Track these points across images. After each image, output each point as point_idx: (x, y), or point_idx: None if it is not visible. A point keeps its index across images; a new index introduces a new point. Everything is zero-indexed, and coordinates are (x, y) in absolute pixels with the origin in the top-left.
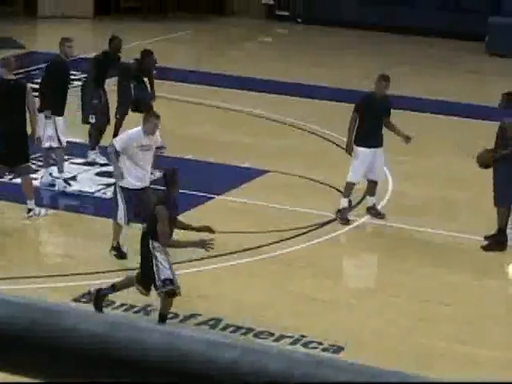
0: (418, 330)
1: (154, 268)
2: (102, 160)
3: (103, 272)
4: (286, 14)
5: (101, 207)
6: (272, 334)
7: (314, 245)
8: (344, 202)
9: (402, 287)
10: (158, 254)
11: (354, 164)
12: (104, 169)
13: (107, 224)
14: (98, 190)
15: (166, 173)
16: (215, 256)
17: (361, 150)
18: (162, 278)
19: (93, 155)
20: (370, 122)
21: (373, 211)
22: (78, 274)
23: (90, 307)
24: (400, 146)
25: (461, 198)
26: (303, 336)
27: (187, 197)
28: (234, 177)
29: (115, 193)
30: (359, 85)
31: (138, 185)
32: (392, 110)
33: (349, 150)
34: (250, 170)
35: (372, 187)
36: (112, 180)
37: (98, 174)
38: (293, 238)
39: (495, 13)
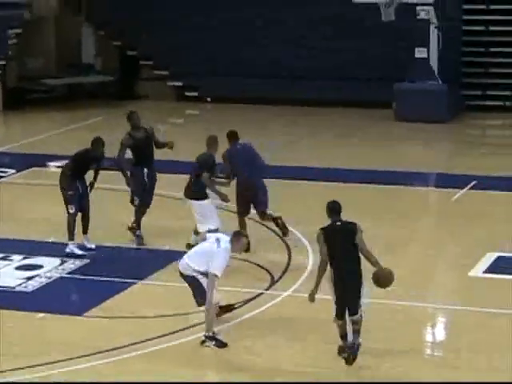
0: None
1: None
2: (80, 252)
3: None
4: (195, 94)
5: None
6: None
7: (239, 323)
8: None
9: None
10: None
11: None
12: (25, 262)
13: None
14: (19, 285)
15: None
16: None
17: None
18: None
19: (71, 246)
20: None
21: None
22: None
23: None
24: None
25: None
26: None
27: (109, 284)
28: (155, 260)
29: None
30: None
31: None
32: (299, 182)
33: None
34: (168, 252)
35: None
36: (33, 272)
37: (18, 268)
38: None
39: (400, 79)
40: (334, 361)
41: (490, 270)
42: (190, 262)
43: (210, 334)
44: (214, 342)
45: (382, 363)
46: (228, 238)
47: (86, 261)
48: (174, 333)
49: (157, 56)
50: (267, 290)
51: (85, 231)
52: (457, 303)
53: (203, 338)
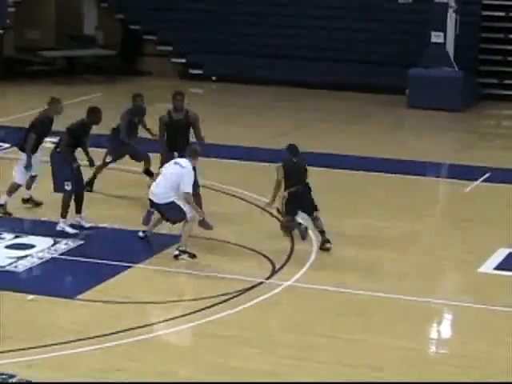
0: None
1: None
2: (72, 230)
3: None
4: (200, 72)
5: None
6: None
7: (238, 312)
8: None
9: (330, 352)
10: None
11: None
12: (17, 241)
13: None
14: (10, 264)
15: None
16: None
17: None
18: None
19: (62, 224)
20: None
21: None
22: None
23: None
24: (324, 206)
25: (385, 258)
26: None
27: (103, 266)
28: (151, 244)
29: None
30: (275, 143)
31: None
32: (312, 168)
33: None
34: (165, 236)
35: None
36: (24, 252)
37: (8, 247)
38: (213, 306)
39: (415, 65)
40: (334, 353)
41: (500, 266)
42: (164, 189)
43: (184, 248)
44: (187, 255)
45: (392, 360)
46: (184, 159)
47: (80, 242)
48: (168, 320)
49: (160, 31)
50: (268, 279)
51: (79, 210)
52: (465, 300)
53: (177, 253)
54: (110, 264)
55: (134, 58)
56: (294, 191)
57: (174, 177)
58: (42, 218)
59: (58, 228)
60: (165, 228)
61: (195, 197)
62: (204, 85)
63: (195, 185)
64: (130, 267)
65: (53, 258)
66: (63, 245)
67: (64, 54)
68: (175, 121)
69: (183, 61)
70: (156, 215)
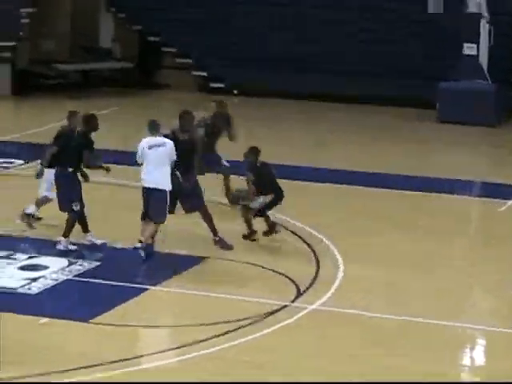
0: None
1: None
2: (74, 247)
3: None
4: (221, 86)
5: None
6: None
7: (262, 336)
8: None
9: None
10: None
11: None
12: (30, 261)
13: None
14: (23, 286)
15: None
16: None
17: None
18: None
19: (65, 243)
20: None
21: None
22: None
23: None
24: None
25: (413, 280)
26: None
27: (119, 288)
28: (169, 265)
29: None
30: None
31: None
32: (338, 186)
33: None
34: (186, 257)
35: None
36: (38, 273)
37: (21, 268)
38: (237, 329)
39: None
40: (361, 378)
41: None
42: (160, 171)
43: (150, 242)
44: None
45: None
46: (153, 136)
47: (95, 263)
48: (189, 345)
49: (180, 43)
50: (293, 302)
51: (87, 229)
52: (496, 324)
53: (141, 245)
54: (126, 286)
55: (152, 71)
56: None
57: (164, 158)
58: (56, 238)
59: (62, 248)
60: (184, 248)
61: (203, 213)
62: (225, 99)
63: (201, 201)
64: (147, 289)
65: (67, 280)
66: (78, 266)
67: (79, 67)
68: (181, 141)
69: (204, 74)
70: (145, 223)
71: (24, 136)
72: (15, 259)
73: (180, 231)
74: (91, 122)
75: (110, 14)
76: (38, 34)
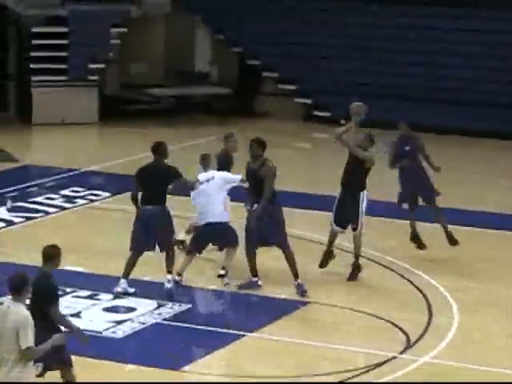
0: None
1: None
2: (132, 289)
3: None
4: (327, 115)
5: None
6: None
7: None
8: None
9: None
10: None
11: None
12: (116, 302)
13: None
14: (107, 329)
15: None
16: None
17: None
18: None
19: (124, 285)
20: None
21: None
22: None
23: None
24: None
25: None
26: None
27: (212, 334)
28: (268, 310)
29: None
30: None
31: None
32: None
33: None
34: (283, 300)
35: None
36: (124, 316)
37: (106, 310)
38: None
39: None
40: None
41: None
42: (221, 203)
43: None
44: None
45: None
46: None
47: (187, 306)
48: None
49: (282, 68)
50: (402, 353)
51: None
52: None
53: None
54: (220, 332)
55: (252, 97)
56: None
57: (219, 191)
58: (144, 278)
59: (120, 290)
60: (284, 292)
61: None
62: (330, 129)
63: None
64: (243, 336)
65: (156, 324)
66: (168, 309)
67: (173, 92)
68: (251, 170)
69: (308, 101)
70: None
71: (110, 166)
72: (100, 300)
73: (280, 274)
74: (165, 148)
75: (208, 35)
76: (129, 56)
